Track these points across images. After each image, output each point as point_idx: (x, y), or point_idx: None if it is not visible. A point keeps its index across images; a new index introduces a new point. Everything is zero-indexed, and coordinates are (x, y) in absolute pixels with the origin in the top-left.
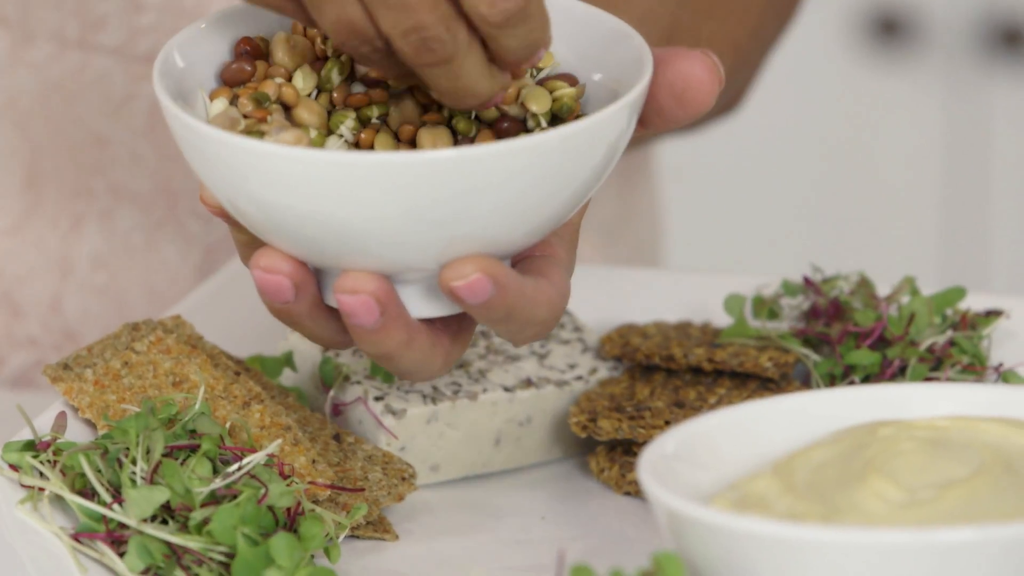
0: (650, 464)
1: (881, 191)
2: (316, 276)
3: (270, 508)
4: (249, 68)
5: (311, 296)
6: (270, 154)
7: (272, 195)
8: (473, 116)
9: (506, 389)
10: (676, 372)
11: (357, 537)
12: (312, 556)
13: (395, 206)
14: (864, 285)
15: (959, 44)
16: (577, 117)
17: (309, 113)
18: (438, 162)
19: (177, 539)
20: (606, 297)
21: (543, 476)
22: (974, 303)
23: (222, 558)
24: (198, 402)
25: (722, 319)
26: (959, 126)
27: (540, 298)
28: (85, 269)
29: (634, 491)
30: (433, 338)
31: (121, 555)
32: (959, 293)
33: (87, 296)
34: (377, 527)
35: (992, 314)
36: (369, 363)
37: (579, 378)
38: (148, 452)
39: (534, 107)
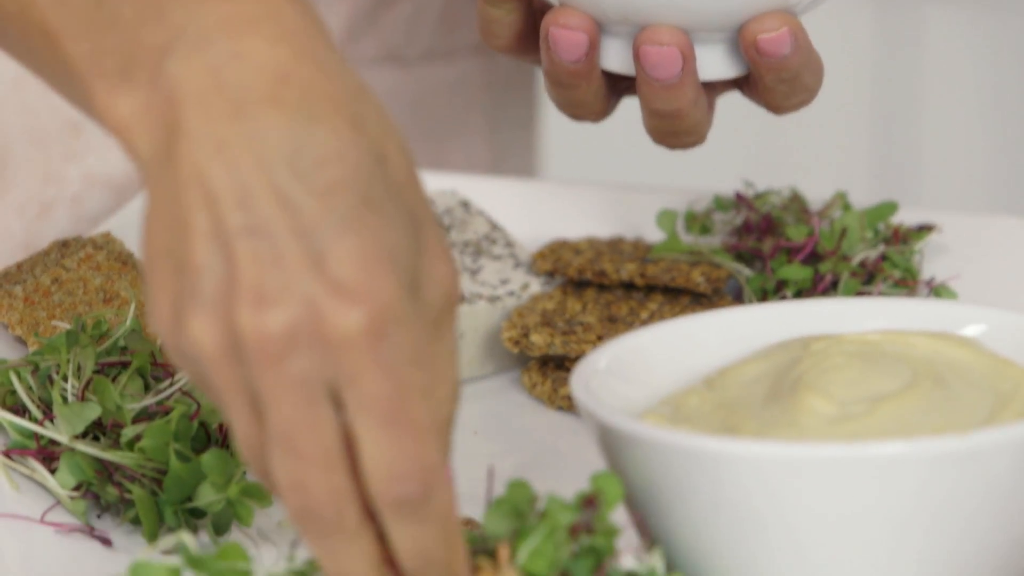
0: (582, 379)
1: (813, 106)
2: None
3: (202, 424)
4: None
5: (596, 57)
6: None
7: None
8: None
9: None
10: (608, 287)
11: None
12: (244, 471)
13: None
14: (796, 200)
15: None
16: None
17: None
18: None
19: (109, 455)
20: (538, 213)
21: (475, 391)
22: (906, 217)
23: (154, 474)
24: (129, 319)
25: (654, 235)
26: (891, 39)
27: (815, 64)
28: None
29: (567, 406)
30: (708, 101)
31: (53, 472)
32: (891, 208)
33: None
34: None
35: (924, 229)
36: None
37: (511, 294)
38: (79, 369)
39: None
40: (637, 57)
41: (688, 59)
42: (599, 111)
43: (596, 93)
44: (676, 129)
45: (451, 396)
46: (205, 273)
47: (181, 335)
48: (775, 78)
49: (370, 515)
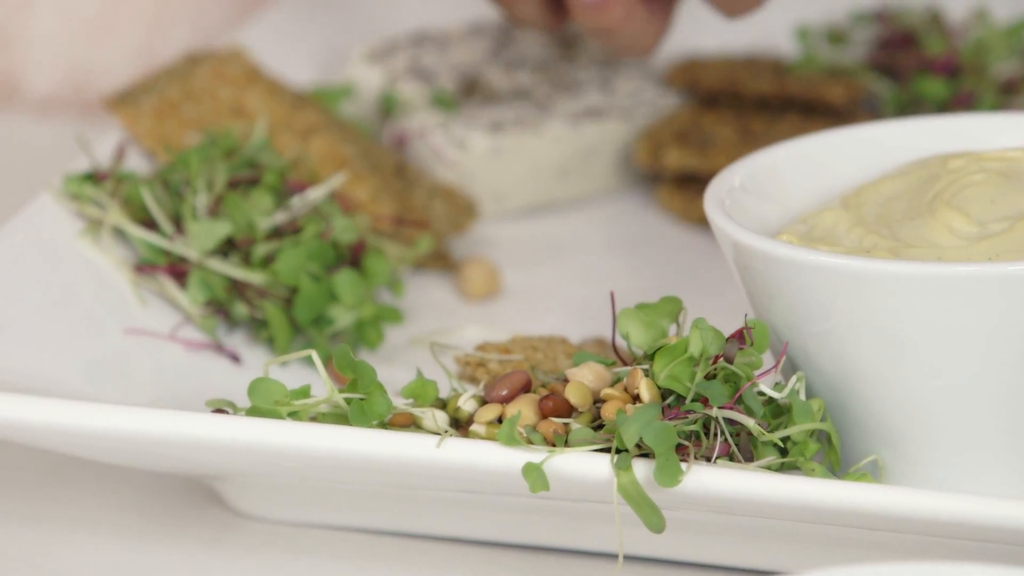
0: (717, 197)
1: None
2: None
3: (334, 243)
4: None
5: None
6: None
7: None
8: None
9: (570, 120)
10: (743, 103)
11: (423, 270)
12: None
13: None
14: (936, 14)
15: None
16: None
17: None
18: None
19: (240, 273)
20: (673, 28)
21: (608, 211)
22: None
23: (285, 292)
24: (259, 132)
25: (790, 52)
26: None
27: None
28: None
29: (700, 223)
30: (649, 13)
31: (181, 288)
32: None
33: None
34: (441, 260)
35: None
36: (431, 94)
37: (644, 109)
38: (210, 184)
39: None
40: None
41: None
42: (551, 24)
43: (540, 5)
44: (612, 46)
45: None
46: None
47: None
48: None
49: None
